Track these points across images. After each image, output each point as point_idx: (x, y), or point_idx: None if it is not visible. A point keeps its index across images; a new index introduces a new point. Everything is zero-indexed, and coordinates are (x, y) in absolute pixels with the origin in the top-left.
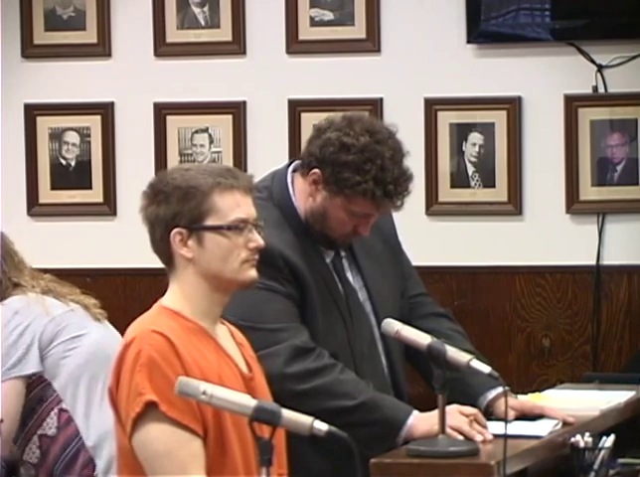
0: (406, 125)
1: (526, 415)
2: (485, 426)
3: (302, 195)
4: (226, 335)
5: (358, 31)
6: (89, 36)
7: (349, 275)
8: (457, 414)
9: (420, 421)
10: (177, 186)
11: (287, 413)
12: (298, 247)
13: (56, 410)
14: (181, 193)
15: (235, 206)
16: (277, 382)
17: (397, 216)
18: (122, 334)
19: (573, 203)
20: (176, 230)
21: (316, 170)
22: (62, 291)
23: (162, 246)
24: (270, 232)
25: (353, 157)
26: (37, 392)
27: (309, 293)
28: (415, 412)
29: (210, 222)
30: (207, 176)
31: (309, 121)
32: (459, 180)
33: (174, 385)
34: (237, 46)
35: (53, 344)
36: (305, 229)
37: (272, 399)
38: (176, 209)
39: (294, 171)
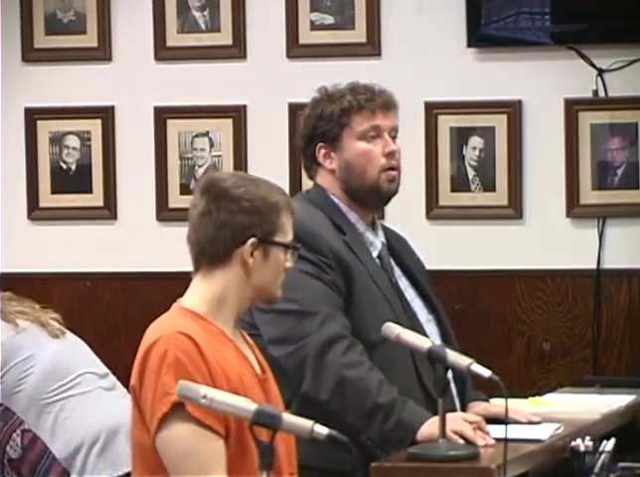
0: (407, 129)
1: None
2: (488, 433)
3: (332, 183)
4: (241, 338)
5: (358, 35)
6: (90, 39)
7: (396, 272)
8: (461, 421)
9: (426, 426)
10: (262, 198)
11: (287, 417)
12: (343, 241)
13: (18, 432)
14: (264, 205)
15: (291, 228)
16: (309, 374)
17: (397, 218)
18: (121, 336)
19: (574, 206)
20: (253, 239)
21: (318, 144)
22: (12, 310)
23: (223, 248)
24: (315, 223)
25: (332, 95)
26: None
27: (354, 282)
28: (435, 419)
29: (278, 238)
30: (278, 193)
31: None
32: (460, 184)
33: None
34: (237, 49)
35: (4, 370)
36: (350, 224)
37: (285, 399)
38: (256, 219)
39: (316, 185)
